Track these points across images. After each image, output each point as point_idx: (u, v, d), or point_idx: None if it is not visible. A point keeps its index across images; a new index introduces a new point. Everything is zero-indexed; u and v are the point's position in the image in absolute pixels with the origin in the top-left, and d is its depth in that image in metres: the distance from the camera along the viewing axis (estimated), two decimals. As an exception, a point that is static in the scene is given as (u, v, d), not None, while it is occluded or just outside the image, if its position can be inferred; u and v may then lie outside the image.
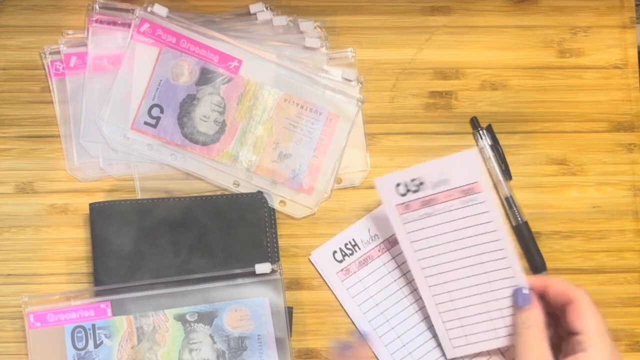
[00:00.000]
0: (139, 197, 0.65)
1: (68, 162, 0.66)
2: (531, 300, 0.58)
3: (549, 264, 0.66)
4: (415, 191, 0.60)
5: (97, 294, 0.60)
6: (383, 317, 0.64)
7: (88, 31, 0.66)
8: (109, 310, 0.59)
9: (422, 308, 0.64)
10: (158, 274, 0.62)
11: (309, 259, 0.66)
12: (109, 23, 0.67)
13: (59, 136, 0.66)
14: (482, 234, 0.60)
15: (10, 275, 0.64)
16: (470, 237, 0.60)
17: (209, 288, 0.61)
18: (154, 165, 0.66)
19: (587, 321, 0.55)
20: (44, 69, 0.67)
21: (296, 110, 0.66)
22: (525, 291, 0.58)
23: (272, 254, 0.63)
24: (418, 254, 0.61)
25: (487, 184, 0.60)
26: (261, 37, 0.68)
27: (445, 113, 0.69)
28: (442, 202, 0.60)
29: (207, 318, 0.61)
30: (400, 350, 0.64)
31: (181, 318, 0.60)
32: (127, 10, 0.67)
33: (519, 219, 0.67)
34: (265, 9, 0.69)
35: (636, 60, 0.71)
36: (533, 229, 0.67)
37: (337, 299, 0.65)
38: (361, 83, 0.68)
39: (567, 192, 0.69)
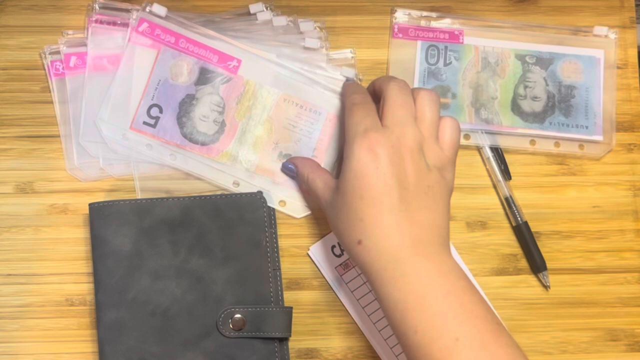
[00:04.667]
0: (139, 197, 0.65)
1: (68, 162, 0.66)
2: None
3: (549, 264, 0.66)
4: None
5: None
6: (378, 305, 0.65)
7: (88, 31, 0.66)
8: (461, 37, 0.66)
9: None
10: (157, 274, 0.62)
11: (307, 254, 0.66)
12: (108, 23, 0.67)
13: (59, 136, 0.66)
14: None
15: (10, 275, 0.64)
16: None
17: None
18: (154, 165, 0.66)
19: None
20: (44, 69, 0.67)
21: (295, 110, 0.66)
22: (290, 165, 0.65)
23: (271, 254, 0.63)
24: (366, 309, 0.64)
25: None
26: (261, 37, 0.68)
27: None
28: None
29: (543, 63, 0.68)
30: (398, 344, 0.64)
31: (521, 58, 0.68)
32: (126, 10, 0.67)
33: (519, 219, 0.67)
34: (265, 9, 0.69)
35: (636, 60, 0.71)
36: (533, 229, 0.67)
37: (335, 293, 0.65)
38: (360, 81, 0.68)
39: (567, 192, 0.69)
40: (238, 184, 0.66)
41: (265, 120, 0.66)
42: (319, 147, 0.66)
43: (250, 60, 0.66)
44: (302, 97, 0.66)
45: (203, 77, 0.66)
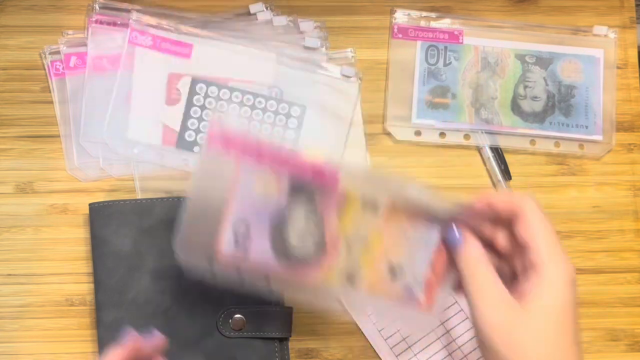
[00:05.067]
0: (139, 197, 0.65)
1: (68, 162, 0.66)
2: (462, 237, 0.50)
3: (549, 264, 0.66)
4: None
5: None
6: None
7: (88, 31, 0.66)
8: (461, 37, 0.66)
9: (422, 306, 0.64)
10: (157, 274, 0.62)
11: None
12: (108, 23, 0.67)
13: (59, 136, 0.66)
14: None
15: (10, 275, 0.64)
16: None
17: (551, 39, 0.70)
18: (154, 165, 0.66)
19: (536, 227, 0.48)
20: (44, 69, 0.67)
21: (405, 225, 0.52)
22: (454, 229, 0.51)
23: (271, 254, 0.63)
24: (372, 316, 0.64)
25: None
26: (261, 37, 0.68)
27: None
28: None
29: (543, 63, 0.68)
30: (399, 344, 0.64)
31: (521, 58, 0.68)
32: (127, 11, 0.67)
33: (519, 219, 0.66)
34: (265, 9, 0.69)
35: (636, 60, 0.71)
36: (533, 229, 0.67)
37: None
38: (360, 80, 0.68)
39: (567, 192, 0.68)
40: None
41: (373, 230, 0.52)
42: (436, 269, 0.53)
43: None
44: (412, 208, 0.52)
45: (294, 188, 0.51)
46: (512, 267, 0.51)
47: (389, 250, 0.53)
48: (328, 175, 0.51)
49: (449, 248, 0.52)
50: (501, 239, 0.51)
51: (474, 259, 0.50)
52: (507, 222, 0.50)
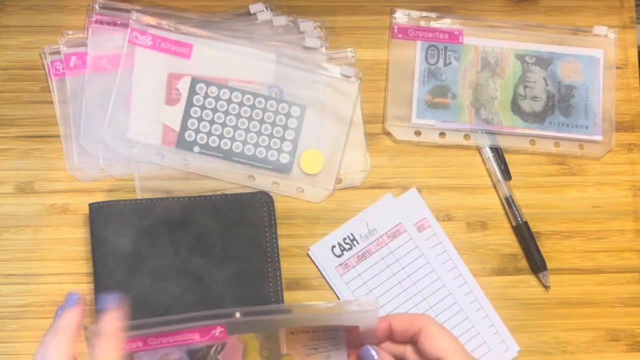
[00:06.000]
0: (139, 197, 0.65)
1: (68, 162, 0.66)
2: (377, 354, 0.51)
3: (549, 264, 0.66)
4: (350, 248, 0.65)
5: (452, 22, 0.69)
6: (382, 311, 0.65)
7: (88, 31, 0.66)
8: (461, 37, 0.66)
9: (421, 302, 0.64)
10: (157, 274, 0.62)
11: (307, 254, 0.66)
12: (108, 23, 0.67)
13: (59, 136, 0.66)
14: (422, 266, 0.66)
15: (10, 275, 0.64)
16: (412, 273, 0.66)
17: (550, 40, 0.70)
18: (154, 165, 0.66)
19: (443, 342, 0.50)
20: (44, 69, 0.67)
21: (309, 336, 0.53)
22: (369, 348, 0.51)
23: (271, 254, 0.63)
24: None
25: (409, 223, 0.66)
26: (261, 37, 0.68)
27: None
28: (376, 252, 0.66)
29: (543, 63, 0.69)
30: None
31: (521, 58, 0.68)
32: (127, 11, 0.67)
33: (519, 219, 0.66)
34: (265, 9, 0.69)
35: (636, 60, 0.71)
36: (533, 229, 0.67)
37: (336, 294, 0.65)
38: (360, 79, 0.68)
39: (567, 192, 0.68)
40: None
41: (285, 357, 0.54)
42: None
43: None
44: (310, 324, 0.53)
45: (192, 354, 0.51)
46: None
47: None
48: (216, 332, 0.50)
49: None
50: (411, 355, 0.52)
51: None
52: (410, 340, 0.52)
